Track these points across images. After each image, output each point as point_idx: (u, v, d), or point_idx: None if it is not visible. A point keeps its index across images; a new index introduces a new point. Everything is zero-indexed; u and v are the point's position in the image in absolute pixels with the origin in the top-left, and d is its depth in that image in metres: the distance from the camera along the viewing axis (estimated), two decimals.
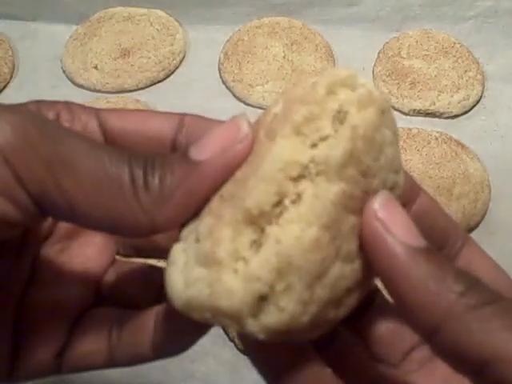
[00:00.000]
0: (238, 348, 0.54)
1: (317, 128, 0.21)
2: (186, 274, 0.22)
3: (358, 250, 0.22)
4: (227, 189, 0.22)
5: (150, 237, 0.24)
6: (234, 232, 0.21)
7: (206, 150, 0.23)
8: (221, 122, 0.25)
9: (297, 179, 0.21)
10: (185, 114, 0.28)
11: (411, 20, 0.74)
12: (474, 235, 0.61)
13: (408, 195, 0.26)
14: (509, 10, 0.73)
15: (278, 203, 0.21)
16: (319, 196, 0.21)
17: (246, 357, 0.59)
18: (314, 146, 0.21)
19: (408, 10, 0.74)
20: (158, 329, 0.27)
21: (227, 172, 0.23)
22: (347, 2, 0.74)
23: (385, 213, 0.22)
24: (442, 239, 0.27)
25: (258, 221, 0.21)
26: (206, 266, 0.21)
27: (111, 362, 0.28)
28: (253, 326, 0.21)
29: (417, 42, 0.72)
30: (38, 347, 0.28)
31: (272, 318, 0.21)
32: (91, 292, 0.30)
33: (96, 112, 0.27)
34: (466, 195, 0.61)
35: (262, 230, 0.21)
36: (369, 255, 0.22)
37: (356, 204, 0.22)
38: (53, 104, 0.27)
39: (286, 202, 0.21)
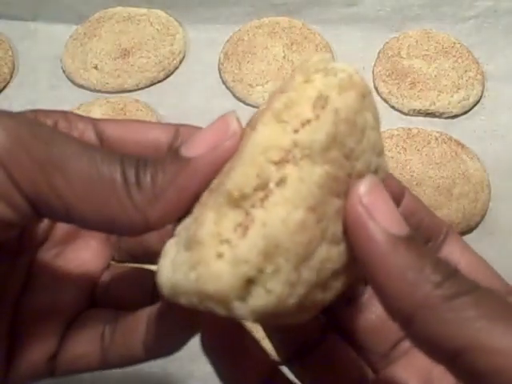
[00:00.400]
0: None
1: (297, 113, 0.22)
2: (174, 261, 0.22)
3: (342, 233, 0.22)
4: (215, 182, 0.23)
5: (144, 235, 0.24)
6: (217, 215, 0.22)
7: (196, 148, 0.23)
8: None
9: (280, 163, 0.21)
10: (180, 125, 0.28)
11: (411, 20, 0.74)
12: (473, 235, 0.61)
13: (393, 198, 0.27)
14: (509, 9, 0.73)
15: (263, 187, 0.21)
16: (304, 179, 0.21)
17: None
18: (296, 131, 0.22)
19: (408, 10, 0.74)
20: (149, 329, 0.27)
21: (217, 167, 0.23)
22: (347, 1, 0.74)
23: (370, 198, 0.22)
24: (427, 237, 0.28)
25: (242, 204, 0.21)
26: (189, 249, 0.22)
27: (104, 364, 0.28)
28: (240, 310, 0.21)
29: (417, 41, 0.72)
30: (32, 350, 0.28)
31: (259, 300, 0.21)
32: (86, 295, 0.30)
33: (93, 121, 0.28)
34: (466, 195, 0.61)
35: (248, 213, 0.21)
36: (351, 240, 0.22)
37: (340, 187, 0.22)
38: (50, 113, 0.27)
39: (271, 185, 0.21)
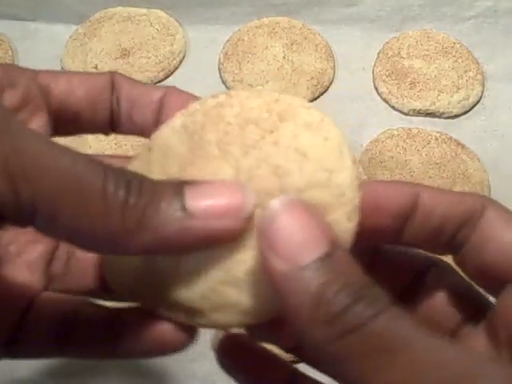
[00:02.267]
0: None
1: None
2: None
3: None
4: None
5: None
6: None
7: (203, 210, 0.21)
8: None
9: None
10: (114, 73, 0.28)
11: (411, 20, 0.74)
12: None
13: (468, 223, 0.24)
14: (509, 9, 0.73)
15: None
16: None
17: None
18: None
19: (408, 9, 0.74)
20: None
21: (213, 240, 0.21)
22: (347, 2, 0.74)
23: (274, 225, 0.20)
24: (456, 227, 0.25)
25: None
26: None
27: None
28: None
29: (417, 41, 0.72)
30: None
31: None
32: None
33: (33, 75, 0.26)
34: None
35: None
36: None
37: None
38: None
39: None
